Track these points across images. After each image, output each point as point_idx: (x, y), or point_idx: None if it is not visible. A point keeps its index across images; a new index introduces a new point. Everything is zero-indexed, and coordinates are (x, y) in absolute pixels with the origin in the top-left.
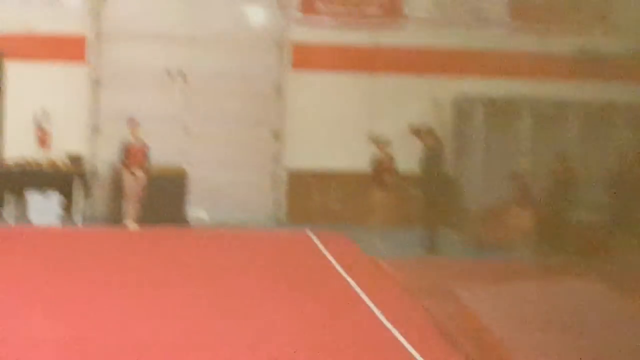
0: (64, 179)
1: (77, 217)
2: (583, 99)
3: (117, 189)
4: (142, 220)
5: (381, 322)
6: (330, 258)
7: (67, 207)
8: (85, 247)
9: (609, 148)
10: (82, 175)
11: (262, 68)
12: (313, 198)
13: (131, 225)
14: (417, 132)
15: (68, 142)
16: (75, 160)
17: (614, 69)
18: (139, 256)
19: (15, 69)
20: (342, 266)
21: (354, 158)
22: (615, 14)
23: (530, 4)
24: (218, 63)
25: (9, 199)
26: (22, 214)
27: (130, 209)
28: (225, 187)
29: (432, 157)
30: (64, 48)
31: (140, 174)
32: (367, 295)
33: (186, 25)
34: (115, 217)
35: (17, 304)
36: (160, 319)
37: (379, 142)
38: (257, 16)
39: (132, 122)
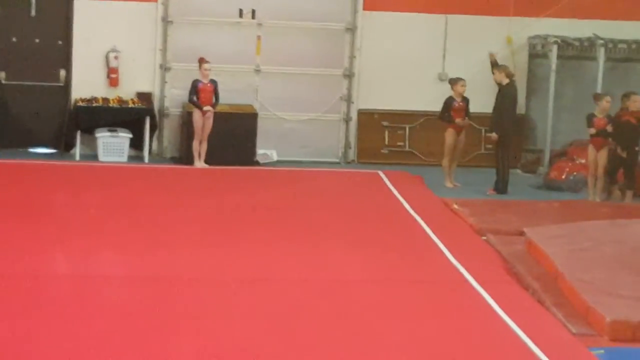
0: (133, 117)
1: (146, 156)
2: None
3: (186, 127)
4: (211, 159)
5: (451, 262)
6: (400, 197)
7: (136, 146)
8: (153, 185)
9: None
10: (151, 113)
11: (334, 7)
12: (383, 138)
13: (200, 164)
14: (494, 62)
15: (137, 80)
16: (145, 98)
17: None
18: (207, 193)
19: (84, 7)
20: (412, 206)
21: (426, 98)
22: None
23: None
24: (289, 2)
25: (79, 138)
26: (91, 153)
27: (199, 147)
28: (295, 126)
29: (505, 96)
30: None
31: (209, 112)
32: (437, 235)
33: None
34: (184, 156)
35: (88, 241)
36: (228, 256)
37: (451, 81)
38: None
39: (202, 61)
